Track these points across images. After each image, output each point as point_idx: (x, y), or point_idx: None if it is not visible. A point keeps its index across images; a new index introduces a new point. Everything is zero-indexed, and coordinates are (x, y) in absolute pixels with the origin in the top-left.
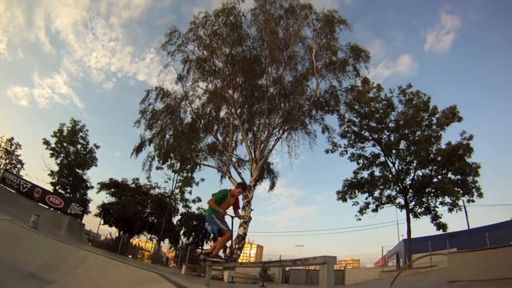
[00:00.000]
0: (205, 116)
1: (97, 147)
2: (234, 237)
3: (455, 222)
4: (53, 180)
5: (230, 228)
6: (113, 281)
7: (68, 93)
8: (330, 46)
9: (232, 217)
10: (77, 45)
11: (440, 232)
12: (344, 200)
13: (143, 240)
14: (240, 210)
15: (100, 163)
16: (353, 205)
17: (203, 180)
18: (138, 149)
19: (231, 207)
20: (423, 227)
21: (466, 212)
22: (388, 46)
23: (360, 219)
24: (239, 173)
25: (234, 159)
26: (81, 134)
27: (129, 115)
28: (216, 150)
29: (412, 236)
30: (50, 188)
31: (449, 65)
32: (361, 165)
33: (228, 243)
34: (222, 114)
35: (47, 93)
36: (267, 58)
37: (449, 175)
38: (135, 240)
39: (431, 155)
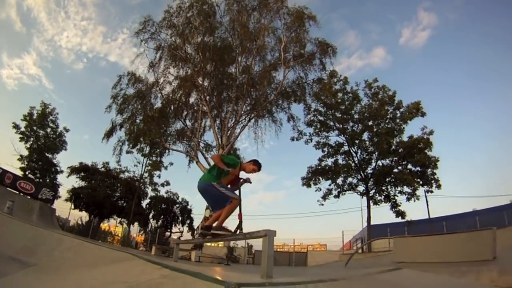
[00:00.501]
0: (175, 102)
1: (67, 130)
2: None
3: (417, 210)
4: (23, 165)
5: (234, 195)
6: (88, 261)
7: (38, 73)
8: (299, 39)
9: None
10: (48, 23)
11: (400, 219)
12: (309, 186)
13: (112, 225)
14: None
15: (69, 147)
16: (316, 191)
17: (171, 164)
18: (109, 134)
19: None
20: (386, 214)
21: (427, 202)
22: (363, 37)
23: (322, 204)
24: (205, 158)
25: (202, 145)
26: (51, 117)
27: (99, 97)
28: (184, 136)
29: (374, 223)
30: (19, 173)
31: (422, 60)
32: (325, 153)
33: (237, 211)
34: (191, 100)
35: (15, 73)
36: (238, 47)
37: (409, 166)
38: (104, 225)
39: (393, 146)
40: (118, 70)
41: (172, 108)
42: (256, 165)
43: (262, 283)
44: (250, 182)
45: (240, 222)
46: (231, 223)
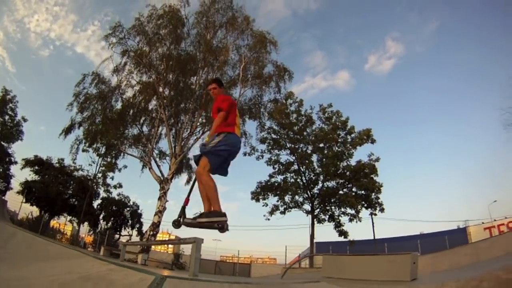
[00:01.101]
0: (135, 107)
1: (25, 120)
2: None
3: (362, 231)
4: None
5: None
6: (41, 256)
7: (2, 54)
8: (259, 61)
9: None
10: (20, 3)
11: (343, 239)
12: (257, 200)
13: (62, 223)
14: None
15: (25, 136)
16: (263, 206)
17: (125, 167)
18: (67, 131)
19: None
20: (333, 233)
21: (373, 223)
22: (330, 59)
23: (268, 219)
24: (158, 166)
25: (156, 152)
26: (10, 105)
27: (60, 88)
28: (140, 141)
29: (320, 240)
30: None
31: (385, 87)
32: (276, 169)
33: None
34: (150, 106)
35: None
36: (201, 61)
37: (354, 189)
38: (53, 222)
39: (340, 170)
40: (84, 63)
41: (131, 112)
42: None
43: (185, 277)
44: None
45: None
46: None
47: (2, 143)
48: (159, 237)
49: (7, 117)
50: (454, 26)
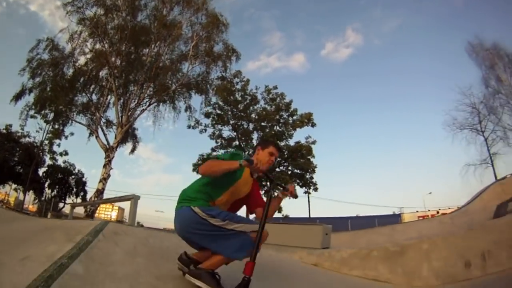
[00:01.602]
0: (85, 74)
1: None
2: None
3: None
4: None
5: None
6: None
7: None
8: (209, 39)
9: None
10: None
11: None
12: (198, 172)
13: (2, 193)
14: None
15: None
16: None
17: (72, 134)
18: (18, 97)
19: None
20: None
21: (309, 202)
22: (287, 41)
23: None
24: (105, 134)
25: (103, 120)
26: None
27: (9, 49)
28: (89, 109)
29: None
30: None
31: (339, 73)
32: (219, 144)
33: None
34: (101, 74)
35: None
36: (155, 34)
37: (290, 168)
38: None
39: None
40: (36, 23)
41: (82, 80)
42: (273, 147)
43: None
44: (295, 196)
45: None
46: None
47: None
48: (104, 208)
49: None
50: (414, 28)
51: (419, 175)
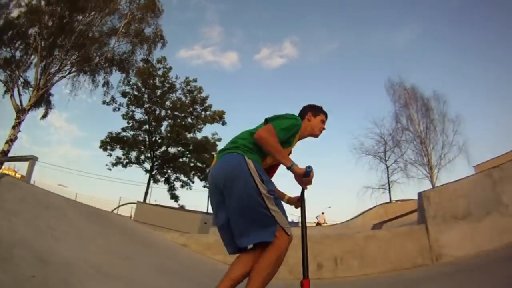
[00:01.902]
0: (15, 28)
1: None
2: None
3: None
4: None
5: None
6: None
7: None
8: (142, 21)
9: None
10: None
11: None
12: (105, 150)
13: None
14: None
15: None
16: (107, 155)
17: None
18: None
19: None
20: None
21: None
22: (225, 37)
23: (110, 169)
24: (20, 95)
25: (21, 80)
26: None
27: None
28: (10, 65)
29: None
30: None
31: (266, 82)
32: (130, 125)
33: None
34: (30, 31)
35: None
36: (92, 2)
37: (193, 160)
38: None
39: (183, 140)
40: None
41: (10, 33)
42: (325, 115)
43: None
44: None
45: None
46: None
47: None
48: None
49: None
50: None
51: (322, 189)
